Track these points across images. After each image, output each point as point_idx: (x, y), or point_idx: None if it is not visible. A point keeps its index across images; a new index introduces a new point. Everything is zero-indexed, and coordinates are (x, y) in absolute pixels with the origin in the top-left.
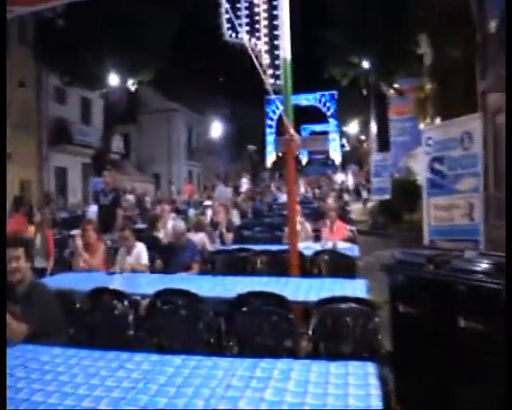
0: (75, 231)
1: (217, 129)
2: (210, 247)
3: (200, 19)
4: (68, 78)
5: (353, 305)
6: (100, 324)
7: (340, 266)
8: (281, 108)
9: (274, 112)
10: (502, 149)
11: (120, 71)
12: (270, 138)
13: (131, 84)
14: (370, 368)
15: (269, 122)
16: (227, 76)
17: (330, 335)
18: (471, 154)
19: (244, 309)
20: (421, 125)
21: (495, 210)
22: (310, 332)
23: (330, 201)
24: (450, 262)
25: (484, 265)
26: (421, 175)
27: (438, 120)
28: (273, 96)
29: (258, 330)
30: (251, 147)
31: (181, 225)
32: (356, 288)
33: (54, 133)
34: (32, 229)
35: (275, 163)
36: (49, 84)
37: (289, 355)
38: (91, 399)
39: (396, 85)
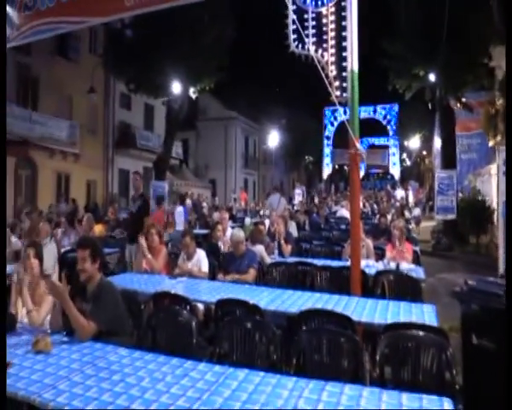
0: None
1: (274, 138)
2: (268, 258)
3: (262, 28)
4: (134, 85)
5: (425, 333)
6: (163, 327)
7: (405, 288)
8: (343, 117)
9: (332, 123)
10: None
11: (182, 79)
12: (327, 150)
13: (192, 93)
14: (446, 404)
15: (326, 134)
16: (286, 86)
17: (398, 363)
18: None
19: (307, 327)
20: (491, 142)
21: None
22: (377, 357)
23: (398, 221)
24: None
25: None
26: (490, 196)
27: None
28: (332, 108)
29: (322, 350)
30: (307, 158)
31: (240, 234)
32: (425, 314)
33: (119, 137)
34: (99, 228)
35: (331, 175)
36: (116, 90)
37: (353, 379)
38: (158, 405)
39: (464, 99)
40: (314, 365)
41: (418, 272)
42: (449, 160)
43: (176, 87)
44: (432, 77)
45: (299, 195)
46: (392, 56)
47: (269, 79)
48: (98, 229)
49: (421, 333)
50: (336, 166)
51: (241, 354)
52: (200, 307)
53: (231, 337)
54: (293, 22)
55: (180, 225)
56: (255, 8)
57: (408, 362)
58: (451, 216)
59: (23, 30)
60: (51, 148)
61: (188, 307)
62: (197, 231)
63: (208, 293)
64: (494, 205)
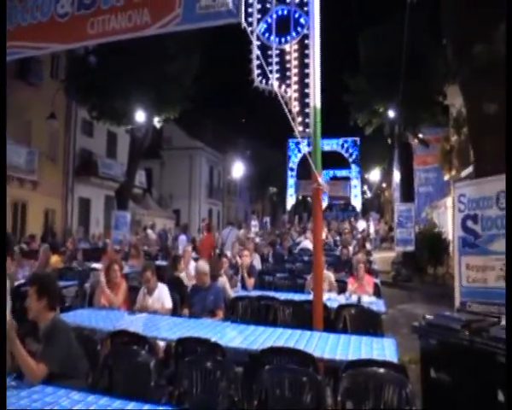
0: (96, 264)
1: (238, 169)
2: (231, 292)
3: (226, 60)
4: (96, 112)
5: (385, 370)
6: (120, 368)
7: (366, 321)
8: (306, 151)
9: (296, 155)
10: None
11: (147, 108)
12: (291, 181)
13: (157, 121)
14: None
15: (290, 165)
16: (250, 118)
17: (360, 400)
18: (505, 214)
19: (269, 365)
20: (446, 176)
21: None
22: (339, 396)
23: (361, 255)
24: (488, 330)
25: (492, 331)
26: (446, 228)
27: (465, 172)
28: (295, 140)
29: (284, 389)
30: (272, 188)
31: (205, 265)
32: (385, 348)
33: (80, 165)
34: (55, 259)
35: (295, 206)
36: (78, 117)
37: None
38: None
39: (421, 135)
40: (276, 404)
41: (379, 305)
42: (407, 193)
43: (140, 116)
44: (391, 113)
45: (254, 226)
46: (353, 92)
47: (234, 110)
48: (54, 260)
49: (381, 370)
50: (300, 197)
51: (202, 394)
52: (161, 344)
53: (191, 377)
54: (258, 58)
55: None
56: (222, 40)
57: (369, 399)
58: (410, 248)
59: None
60: (8, 175)
61: (147, 346)
62: (160, 262)
63: (169, 330)
64: (450, 237)
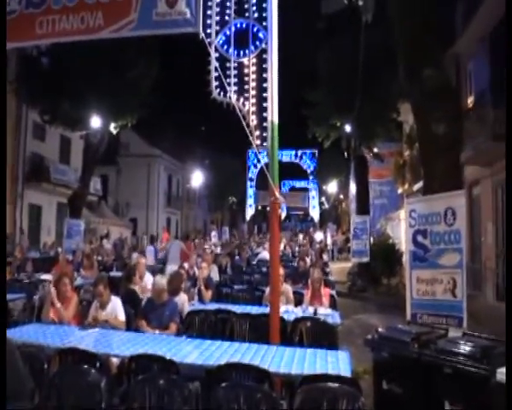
0: (46, 276)
1: (197, 178)
2: (187, 306)
3: (186, 69)
4: (49, 116)
5: (339, 385)
6: (69, 388)
7: (322, 334)
8: (264, 162)
9: (255, 165)
10: (476, 221)
11: (103, 114)
12: (251, 191)
13: (113, 128)
14: None
15: (249, 175)
16: (209, 127)
17: None
18: (454, 229)
19: (224, 382)
20: (400, 190)
21: (471, 281)
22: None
23: (316, 271)
24: (436, 342)
25: (469, 348)
26: (399, 239)
27: (416, 186)
28: (254, 150)
29: (239, 406)
30: (231, 198)
31: (162, 281)
32: (340, 361)
33: (31, 170)
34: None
35: (254, 216)
36: (28, 120)
37: None
38: None
39: (376, 149)
40: None
41: (334, 317)
42: (363, 205)
43: (95, 121)
44: (347, 127)
45: (214, 237)
46: (311, 106)
47: (193, 118)
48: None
49: (335, 385)
50: (259, 207)
51: None
52: (114, 360)
53: (144, 396)
54: (216, 70)
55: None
56: (181, 48)
57: None
58: (366, 259)
59: None
60: None
61: (98, 364)
62: (114, 273)
63: (122, 345)
64: (403, 248)
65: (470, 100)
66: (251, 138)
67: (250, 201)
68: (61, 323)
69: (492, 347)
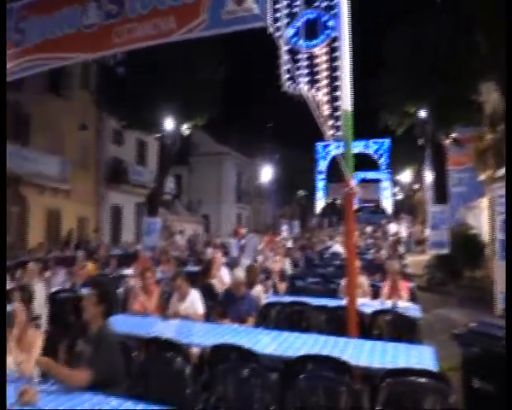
0: (128, 271)
1: (266, 173)
2: (262, 297)
3: (253, 66)
4: (126, 122)
5: (427, 380)
6: (156, 375)
7: (402, 327)
8: (336, 153)
9: (324, 158)
10: None
11: (175, 116)
12: (320, 184)
13: (185, 129)
14: None
15: (319, 168)
16: (278, 122)
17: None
18: None
19: (304, 373)
20: (481, 176)
21: None
22: (377, 406)
23: (395, 262)
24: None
25: None
26: (483, 229)
27: (499, 172)
28: (324, 143)
29: (320, 398)
30: (300, 192)
31: (240, 274)
32: (424, 356)
33: (111, 173)
34: (91, 265)
35: (324, 209)
36: (108, 126)
37: None
38: None
39: (454, 135)
40: None
41: (415, 311)
42: (441, 194)
43: (168, 124)
44: (422, 113)
45: (285, 230)
46: (383, 93)
47: (261, 114)
48: (90, 267)
49: (423, 380)
50: (329, 201)
51: (237, 402)
52: (194, 350)
53: (226, 385)
54: (286, 62)
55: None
56: (248, 45)
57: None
58: (445, 250)
59: (12, 66)
60: (42, 184)
61: (181, 353)
62: (190, 268)
63: (202, 335)
64: (486, 239)
65: None
66: (323, 129)
67: (320, 194)
68: (145, 314)
69: None
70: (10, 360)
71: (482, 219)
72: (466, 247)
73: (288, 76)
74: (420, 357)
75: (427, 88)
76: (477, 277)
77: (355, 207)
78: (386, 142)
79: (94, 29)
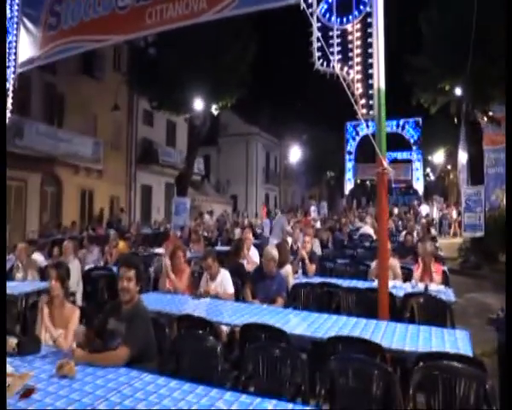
0: (158, 250)
1: (295, 154)
2: (292, 279)
3: (282, 45)
4: (156, 103)
5: (462, 365)
6: (187, 352)
7: (435, 311)
8: (365, 132)
9: (353, 138)
10: None
11: (204, 96)
12: (349, 165)
13: (214, 109)
14: None
15: (348, 148)
16: (306, 102)
17: (433, 395)
18: None
19: (334, 354)
20: None
21: None
22: (410, 389)
23: (428, 244)
24: None
25: None
26: None
27: None
28: (354, 122)
29: (351, 379)
30: (329, 173)
31: (272, 251)
32: (458, 341)
33: (141, 154)
34: (122, 244)
35: (353, 191)
36: (139, 107)
37: None
38: None
39: (491, 113)
40: (343, 394)
41: (448, 294)
42: (476, 175)
43: (198, 104)
44: (458, 91)
45: (314, 211)
46: (417, 71)
47: (290, 94)
48: (122, 245)
49: (456, 364)
50: (358, 181)
51: (267, 381)
52: (224, 329)
53: (256, 364)
54: (318, 40)
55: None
56: (278, 24)
57: (443, 395)
58: (480, 233)
59: (47, 49)
60: (76, 164)
61: (211, 331)
62: (219, 248)
63: (232, 315)
64: None
65: None
66: (356, 108)
67: (349, 175)
68: (176, 292)
69: None
70: (47, 336)
71: None
72: (502, 230)
73: (319, 54)
74: (454, 341)
75: (463, 64)
76: None
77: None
78: (419, 121)
79: (127, 11)
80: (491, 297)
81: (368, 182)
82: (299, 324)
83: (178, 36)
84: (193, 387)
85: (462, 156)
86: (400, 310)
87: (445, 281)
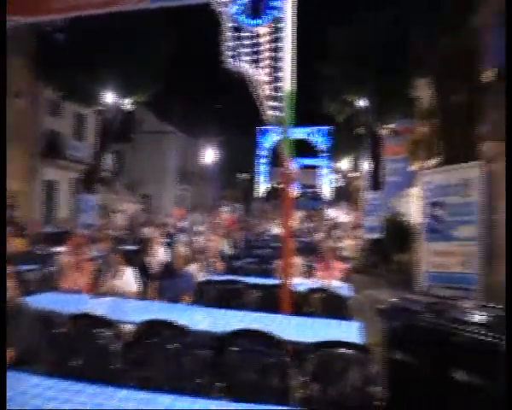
0: (61, 248)
1: (210, 155)
2: (199, 276)
3: (198, 43)
4: (64, 92)
5: (351, 351)
6: (83, 351)
7: (334, 306)
8: (277, 138)
9: (266, 141)
10: (496, 197)
11: (117, 90)
12: (263, 168)
13: (127, 104)
14: None
15: (261, 152)
16: (222, 103)
17: (326, 381)
18: (470, 201)
19: (235, 348)
20: (413, 167)
21: (486, 255)
22: (305, 377)
23: (330, 240)
24: (448, 312)
25: (481, 317)
26: (413, 217)
27: (430, 163)
28: (268, 127)
29: (250, 371)
30: (243, 175)
31: (180, 249)
32: (352, 331)
33: (46, 146)
34: (18, 242)
35: (265, 193)
36: (43, 96)
37: (282, 399)
38: None
39: (391, 125)
40: (242, 386)
41: (346, 290)
42: (376, 182)
43: (109, 97)
44: (363, 103)
45: (226, 212)
46: (326, 80)
47: (208, 94)
48: (18, 243)
49: (347, 351)
50: (272, 185)
51: (167, 378)
52: (126, 327)
53: (157, 360)
54: (229, 39)
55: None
56: (193, 22)
57: (336, 380)
58: (378, 235)
59: None
60: None
61: (111, 329)
62: (129, 247)
63: (136, 312)
64: (415, 225)
65: (490, 73)
66: (263, 109)
67: (261, 178)
68: (77, 291)
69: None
70: None
71: (411, 207)
72: (396, 233)
73: (230, 53)
74: (348, 332)
75: (367, 79)
76: (404, 261)
77: (295, 192)
78: (328, 129)
79: None
80: (386, 293)
81: (279, 185)
82: (204, 320)
83: (90, 24)
84: (86, 386)
85: (366, 164)
86: (302, 305)
87: (346, 278)
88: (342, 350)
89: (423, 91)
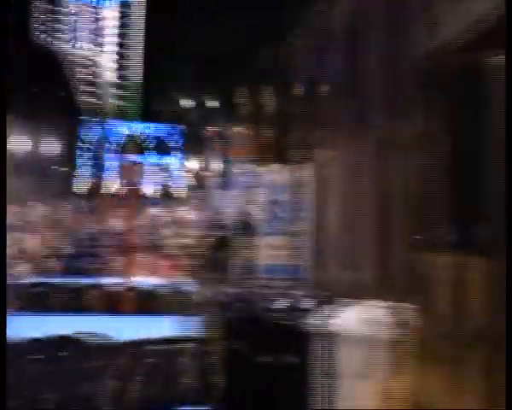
0: None
1: (20, 143)
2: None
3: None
4: None
5: (186, 345)
6: None
7: (177, 302)
8: (122, 132)
9: (93, 134)
10: (324, 197)
11: None
12: (88, 162)
13: None
14: None
15: (87, 146)
16: (46, 89)
17: (162, 377)
18: (301, 199)
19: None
20: (258, 168)
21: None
22: (137, 377)
23: (176, 239)
24: (276, 302)
25: (285, 303)
26: (256, 214)
27: (273, 164)
28: (96, 119)
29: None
30: (64, 169)
31: None
32: (191, 327)
33: None
34: None
35: (94, 189)
36: None
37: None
38: None
39: (237, 128)
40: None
41: (191, 286)
42: (223, 181)
43: None
44: (213, 103)
45: (42, 208)
46: (174, 80)
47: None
48: None
49: (184, 345)
50: (99, 180)
51: None
52: None
53: None
54: (69, 22)
55: None
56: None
57: (172, 376)
58: (223, 232)
59: None
60: None
61: None
62: None
63: None
64: (255, 221)
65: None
66: (101, 97)
67: (88, 172)
68: None
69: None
70: None
71: (255, 206)
72: (240, 230)
73: (70, 35)
74: (188, 327)
75: (216, 81)
76: (247, 256)
77: (141, 189)
78: (180, 127)
79: None
80: (227, 288)
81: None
82: (27, 327)
83: None
84: None
85: (216, 164)
86: (146, 303)
87: (191, 275)
88: (176, 345)
89: (267, 99)
